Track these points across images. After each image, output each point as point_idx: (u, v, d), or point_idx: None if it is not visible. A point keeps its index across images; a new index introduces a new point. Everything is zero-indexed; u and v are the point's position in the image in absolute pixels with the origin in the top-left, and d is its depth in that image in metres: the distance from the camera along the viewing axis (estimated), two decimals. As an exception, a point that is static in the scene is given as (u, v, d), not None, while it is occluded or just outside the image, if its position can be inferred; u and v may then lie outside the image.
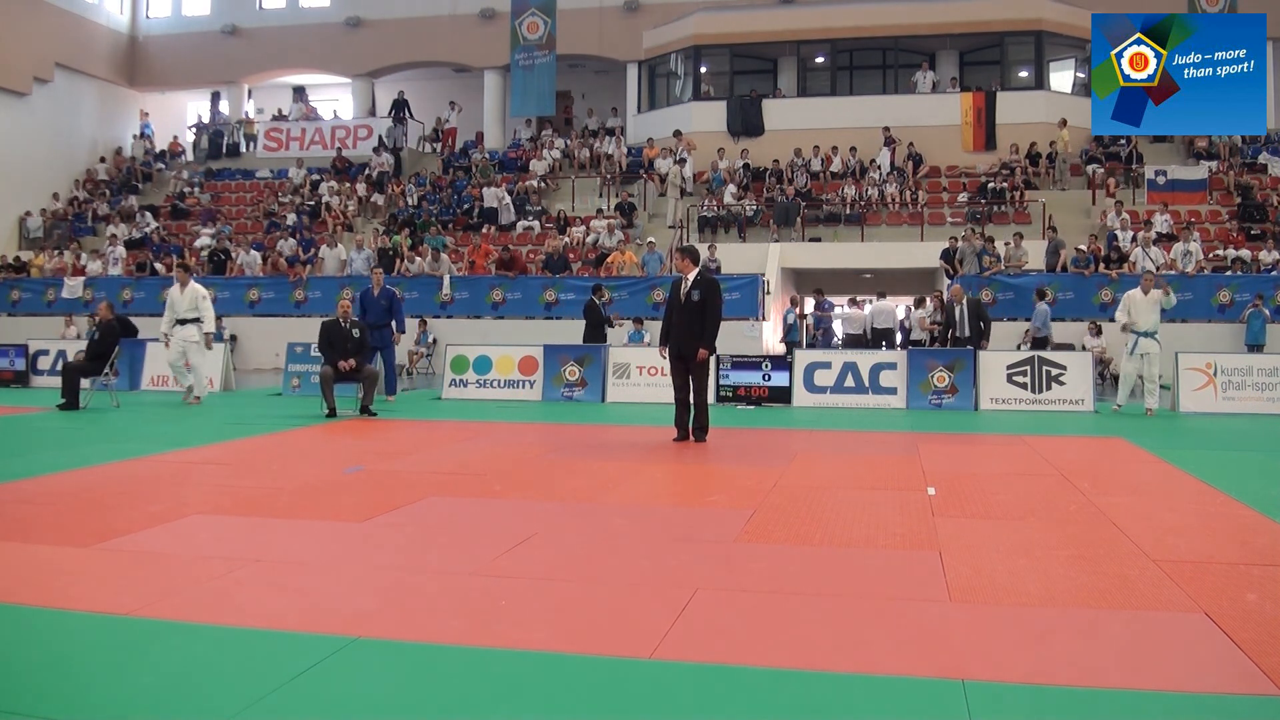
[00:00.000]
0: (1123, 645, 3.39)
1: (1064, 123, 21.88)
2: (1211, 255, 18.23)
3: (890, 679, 3.06)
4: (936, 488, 6.36)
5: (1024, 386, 12.26)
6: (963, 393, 12.28)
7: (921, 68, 24.24)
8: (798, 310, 17.69)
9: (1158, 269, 17.08)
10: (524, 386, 13.31)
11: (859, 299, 18.79)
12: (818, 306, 16.86)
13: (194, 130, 29.37)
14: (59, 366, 13.29)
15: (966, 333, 13.27)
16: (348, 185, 24.72)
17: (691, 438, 8.73)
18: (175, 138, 29.44)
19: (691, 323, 8.55)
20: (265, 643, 3.36)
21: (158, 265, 21.33)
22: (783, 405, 12.51)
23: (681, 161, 22.24)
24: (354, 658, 3.22)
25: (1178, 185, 20.77)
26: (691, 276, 8.67)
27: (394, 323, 13.05)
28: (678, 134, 23.18)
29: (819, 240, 20.80)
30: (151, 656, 3.26)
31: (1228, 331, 16.46)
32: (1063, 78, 24.07)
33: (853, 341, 17.30)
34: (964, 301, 13.49)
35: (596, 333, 14.65)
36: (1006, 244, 17.72)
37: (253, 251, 21.20)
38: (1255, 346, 15.80)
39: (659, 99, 25.99)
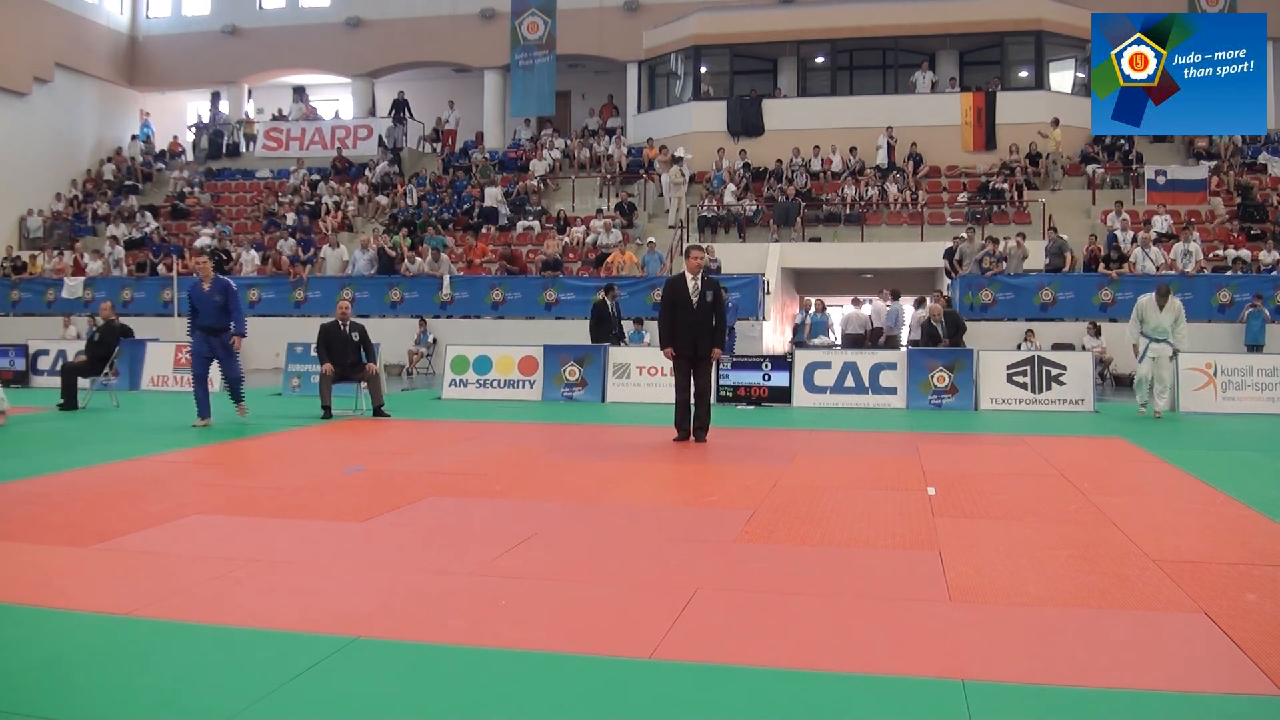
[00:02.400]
0: (1123, 645, 3.38)
1: (1057, 122, 21.81)
2: (1211, 255, 18.22)
3: (890, 679, 3.06)
4: (936, 488, 6.36)
5: (1024, 386, 12.27)
6: (963, 393, 12.28)
7: (921, 68, 24.22)
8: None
9: (1158, 269, 17.06)
10: (524, 386, 13.31)
11: (860, 299, 18.78)
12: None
13: (194, 130, 29.37)
14: (59, 366, 13.28)
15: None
16: (347, 185, 24.72)
17: (692, 437, 8.73)
18: (175, 138, 29.44)
19: (703, 322, 8.61)
20: (265, 643, 3.36)
21: (159, 266, 21.32)
22: (783, 405, 12.51)
23: (680, 160, 22.21)
24: (354, 658, 3.22)
25: (1178, 185, 20.76)
26: (699, 277, 8.71)
27: (232, 324, 10.02)
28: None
29: (819, 240, 20.80)
30: (151, 656, 3.26)
31: (1227, 331, 16.44)
32: (1063, 78, 24.05)
33: (851, 342, 17.28)
34: (942, 318, 13.48)
35: (603, 330, 14.54)
36: (1007, 239, 17.72)
37: (251, 251, 21.20)
38: (1255, 346, 15.79)
39: (659, 99, 25.97)
